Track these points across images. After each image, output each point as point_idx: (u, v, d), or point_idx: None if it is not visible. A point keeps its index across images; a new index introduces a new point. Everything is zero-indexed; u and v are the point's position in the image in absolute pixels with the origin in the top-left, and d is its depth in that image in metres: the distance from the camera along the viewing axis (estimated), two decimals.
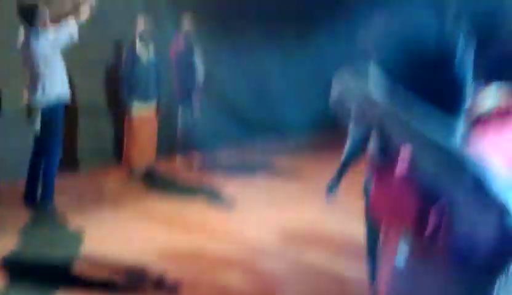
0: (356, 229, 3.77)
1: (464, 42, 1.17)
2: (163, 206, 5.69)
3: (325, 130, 7.08)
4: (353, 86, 1.11)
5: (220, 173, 6.79)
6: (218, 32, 7.42)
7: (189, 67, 6.75)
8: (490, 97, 1.62)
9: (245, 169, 7.01)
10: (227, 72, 7.65)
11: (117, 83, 6.33)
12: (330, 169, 3.62)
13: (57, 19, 5.22)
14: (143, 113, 6.32)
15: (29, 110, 5.22)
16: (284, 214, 5.46)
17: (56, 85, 5.18)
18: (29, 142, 5.29)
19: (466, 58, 1.16)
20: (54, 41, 5.12)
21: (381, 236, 1.36)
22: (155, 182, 6.42)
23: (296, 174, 6.79)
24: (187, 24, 6.71)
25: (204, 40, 6.89)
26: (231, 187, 6.24)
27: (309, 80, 8.46)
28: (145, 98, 6.28)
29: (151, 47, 6.30)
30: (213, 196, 6.02)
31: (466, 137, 1.18)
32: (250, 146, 7.85)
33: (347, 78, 1.13)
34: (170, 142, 6.92)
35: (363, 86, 1.11)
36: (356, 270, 3.88)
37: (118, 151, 6.73)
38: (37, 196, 5.32)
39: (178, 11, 6.80)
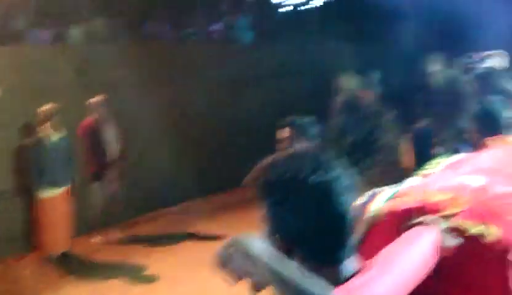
0: None
1: (342, 171, 1.23)
2: (81, 291, 5.48)
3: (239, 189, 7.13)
4: (238, 245, 1.13)
5: (141, 246, 6.66)
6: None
7: (100, 144, 6.67)
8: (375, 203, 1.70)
9: (167, 239, 6.91)
10: (143, 142, 7.67)
11: (26, 169, 6.12)
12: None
13: None
14: (54, 196, 6.13)
15: None
16: (208, 281, 5.40)
17: None
18: None
19: (344, 185, 1.21)
20: None
21: None
22: (72, 265, 6.17)
23: (219, 237, 6.77)
24: (98, 103, 6.64)
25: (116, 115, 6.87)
26: (153, 259, 6.13)
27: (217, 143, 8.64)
28: (55, 181, 6.10)
29: (59, 130, 6.15)
30: (134, 272, 5.88)
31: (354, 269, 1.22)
32: (170, 214, 7.79)
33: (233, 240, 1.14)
34: (86, 220, 6.73)
35: (247, 245, 1.12)
36: None
37: (31, 237, 6.45)
38: None
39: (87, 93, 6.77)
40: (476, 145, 2.68)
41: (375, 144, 1.37)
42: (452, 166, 2.04)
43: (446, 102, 2.66)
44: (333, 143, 1.22)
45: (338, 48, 10.03)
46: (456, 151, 2.58)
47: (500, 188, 1.82)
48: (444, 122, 2.72)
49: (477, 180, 1.83)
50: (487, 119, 2.68)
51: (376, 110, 1.53)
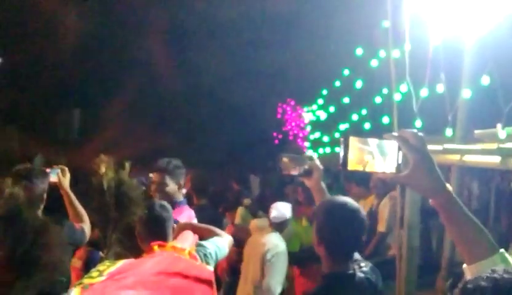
0: None
1: None
2: None
3: None
4: None
5: None
6: None
7: None
8: None
9: None
10: None
11: None
12: None
13: None
14: None
15: None
16: None
17: None
18: None
19: None
20: None
21: None
22: None
23: None
24: None
25: None
26: None
27: None
28: None
29: None
30: None
31: None
32: None
33: None
34: None
35: None
36: None
37: None
38: None
39: None
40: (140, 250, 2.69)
41: (36, 262, 1.26)
42: (114, 276, 2.03)
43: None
44: None
45: None
46: (118, 257, 2.54)
47: None
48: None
49: None
50: (153, 224, 2.71)
51: (42, 222, 1.36)
